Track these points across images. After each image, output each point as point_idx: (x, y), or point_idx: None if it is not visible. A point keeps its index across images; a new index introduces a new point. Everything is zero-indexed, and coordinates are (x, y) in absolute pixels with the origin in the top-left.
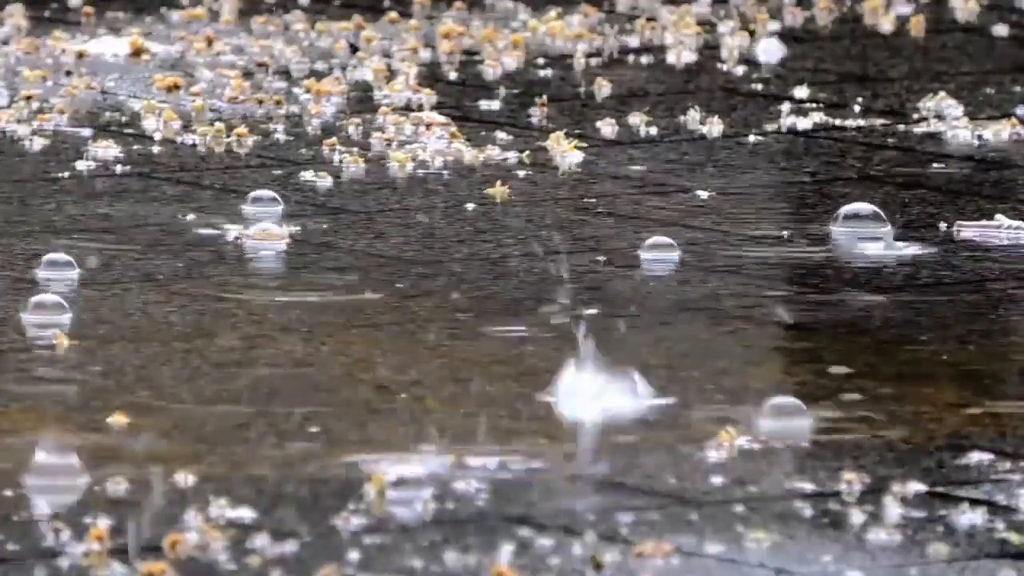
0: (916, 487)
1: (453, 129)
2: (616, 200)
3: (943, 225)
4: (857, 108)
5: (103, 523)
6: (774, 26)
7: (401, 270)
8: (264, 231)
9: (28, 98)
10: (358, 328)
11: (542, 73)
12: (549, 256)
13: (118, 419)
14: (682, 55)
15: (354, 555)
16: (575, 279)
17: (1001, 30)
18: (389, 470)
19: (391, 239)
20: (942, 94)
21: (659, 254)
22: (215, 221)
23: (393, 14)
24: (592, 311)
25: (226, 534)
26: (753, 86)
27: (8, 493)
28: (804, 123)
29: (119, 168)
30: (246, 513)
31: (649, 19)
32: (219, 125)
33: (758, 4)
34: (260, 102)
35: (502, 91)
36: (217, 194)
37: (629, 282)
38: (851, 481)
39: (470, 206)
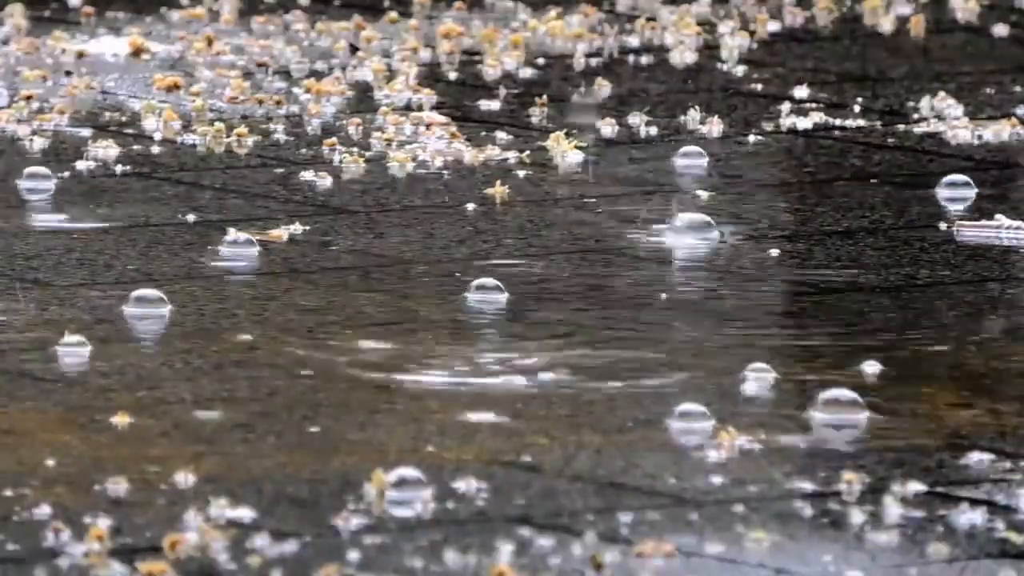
0: (916, 487)
1: (453, 129)
2: (616, 200)
3: (943, 225)
4: (857, 108)
5: (103, 523)
6: (774, 26)
7: (401, 270)
8: (263, 231)
9: (28, 98)
10: (358, 328)
11: (542, 73)
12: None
13: (119, 419)
14: (683, 55)
15: (354, 555)
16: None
17: (1001, 30)
18: (389, 470)
19: (391, 239)
20: (942, 94)
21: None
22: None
23: (393, 14)
24: (593, 310)
25: (226, 534)
26: (753, 86)
27: (8, 493)
28: (804, 123)
29: (119, 168)
30: (246, 513)
31: (649, 19)
32: (219, 125)
33: (758, 4)
34: (260, 102)
35: (502, 91)
36: (217, 194)
37: (629, 281)
38: (851, 481)
39: (470, 206)
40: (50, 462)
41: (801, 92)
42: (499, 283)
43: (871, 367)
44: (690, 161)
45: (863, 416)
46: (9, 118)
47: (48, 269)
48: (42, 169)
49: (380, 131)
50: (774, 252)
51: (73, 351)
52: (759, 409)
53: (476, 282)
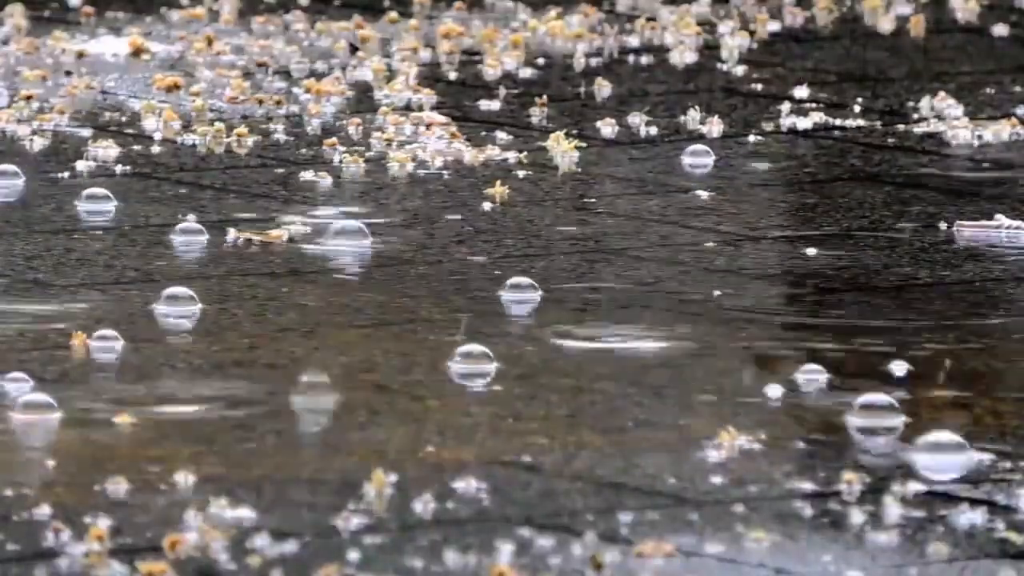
0: (916, 487)
1: (453, 129)
2: (616, 200)
3: (943, 225)
4: (857, 108)
5: (103, 523)
6: (774, 26)
7: (401, 270)
8: (263, 231)
9: (28, 98)
10: (358, 328)
11: (542, 73)
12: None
13: (119, 419)
14: (683, 55)
15: (354, 555)
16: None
17: (1001, 30)
18: (389, 470)
19: (391, 239)
20: (942, 94)
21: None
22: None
23: (393, 14)
24: (593, 310)
25: (226, 534)
26: (753, 86)
27: (8, 493)
28: (804, 123)
29: (119, 168)
30: (246, 513)
31: (649, 19)
32: (219, 125)
33: (758, 4)
34: (260, 102)
35: (502, 91)
36: (217, 194)
37: (629, 282)
38: (851, 481)
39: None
40: (50, 462)
41: (801, 92)
42: (534, 282)
43: (899, 368)
44: (696, 160)
45: (899, 420)
46: (9, 118)
47: (48, 269)
48: (10, 167)
49: (380, 131)
50: (811, 252)
51: (103, 345)
52: (761, 409)
53: (510, 281)
